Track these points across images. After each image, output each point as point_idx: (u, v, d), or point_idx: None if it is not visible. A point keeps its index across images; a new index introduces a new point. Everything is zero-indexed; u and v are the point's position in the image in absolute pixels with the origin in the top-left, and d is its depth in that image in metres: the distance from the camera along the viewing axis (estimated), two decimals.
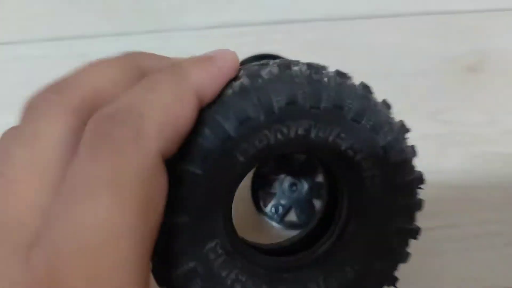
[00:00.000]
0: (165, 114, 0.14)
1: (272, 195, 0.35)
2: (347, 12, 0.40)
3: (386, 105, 0.20)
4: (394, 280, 0.20)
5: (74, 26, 0.38)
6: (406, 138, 0.20)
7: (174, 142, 0.15)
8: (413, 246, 0.36)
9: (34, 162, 0.14)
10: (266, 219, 0.35)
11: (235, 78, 0.18)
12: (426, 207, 0.37)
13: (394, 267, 0.20)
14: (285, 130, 0.18)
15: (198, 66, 0.16)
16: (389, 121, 0.19)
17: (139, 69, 0.17)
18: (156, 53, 0.20)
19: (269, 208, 0.35)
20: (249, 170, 0.19)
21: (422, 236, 0.36)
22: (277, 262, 0.20)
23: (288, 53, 0.38)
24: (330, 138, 0.18)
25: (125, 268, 0.12)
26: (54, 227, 0.12)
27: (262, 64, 0.19)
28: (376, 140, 0.18)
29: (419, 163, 0.37)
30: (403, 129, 0.20)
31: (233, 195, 0.19)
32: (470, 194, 0.36)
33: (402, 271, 0.36)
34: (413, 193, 0.20)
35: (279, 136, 0.18)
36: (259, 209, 0.35)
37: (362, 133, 0.18)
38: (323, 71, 0.19)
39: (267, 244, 0.22)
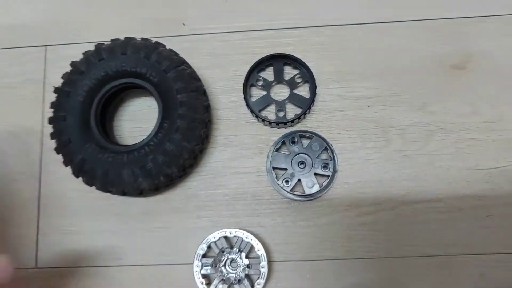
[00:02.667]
0: None
1: (284, 170, 0.42)
2: (348, 20, 0.46)
3: (172, 52, 0.42)
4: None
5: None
6: (182, 65, 0.41)
7: None
8: (404, 216, 0.42)
9: None
10: (280, 189, 0.41)
11: None
12: (416, 184, 0.43)
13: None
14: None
15: None
16: (170, 58, 0.40)
17: None
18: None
19: (281, 181, 0.41)
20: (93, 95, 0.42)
21: (412, 209, 0.42)
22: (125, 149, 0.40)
23: (299, 54, 0.45)
24: (138, 69, 0.41)
25: None
26: None
27: None
28: (158, 67, 0.40)
29: (411, 147, 0.43)
30: (180, 61, 0.41)
31: (95, 114, 0.41)
32: (453, 174, 0.42)
33: (392, 237, 0.41)
34: (190, 94, 0.39)
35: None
36: (274, 182, 0.41)
37: (152, 64, 0.40)
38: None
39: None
